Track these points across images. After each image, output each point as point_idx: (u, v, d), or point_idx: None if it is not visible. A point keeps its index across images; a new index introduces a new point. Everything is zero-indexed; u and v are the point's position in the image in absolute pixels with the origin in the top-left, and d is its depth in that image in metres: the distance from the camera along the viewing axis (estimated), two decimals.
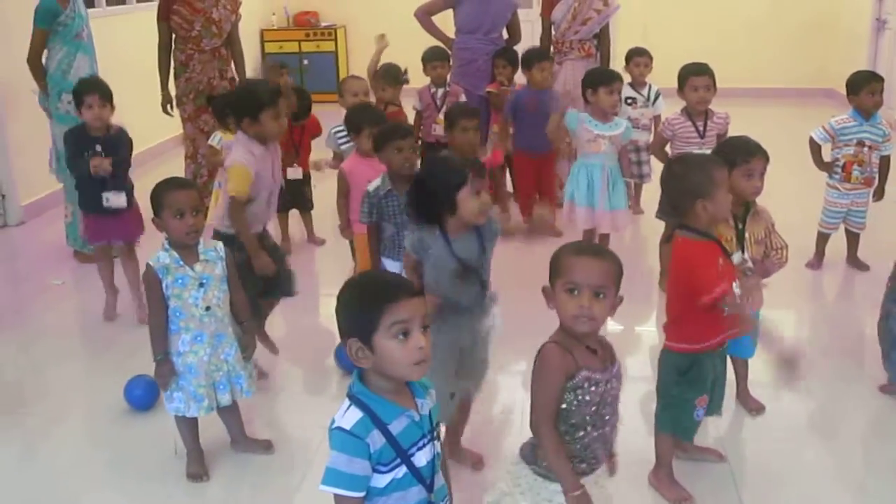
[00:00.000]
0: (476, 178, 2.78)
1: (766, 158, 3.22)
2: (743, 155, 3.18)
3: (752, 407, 3.50)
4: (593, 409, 2.11)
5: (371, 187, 3.63)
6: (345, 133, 4.51)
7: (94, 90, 4.24)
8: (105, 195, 4.26)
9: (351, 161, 4.20)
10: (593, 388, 2.10)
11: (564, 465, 2.10)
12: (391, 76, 5.35)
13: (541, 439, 2.12)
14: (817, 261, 5.02)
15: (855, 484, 3.09)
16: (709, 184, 2.72)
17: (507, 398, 3.70)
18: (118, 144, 4.30)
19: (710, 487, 3.02)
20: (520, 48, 6.26)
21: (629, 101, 5.98)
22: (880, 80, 4.82)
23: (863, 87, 4.66)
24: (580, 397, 2.08)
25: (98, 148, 4.23)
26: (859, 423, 3.53)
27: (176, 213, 2.91)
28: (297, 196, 5.52)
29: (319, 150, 5.41)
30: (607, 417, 2.16)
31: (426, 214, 2.83)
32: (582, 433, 2.12)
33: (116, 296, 4.58)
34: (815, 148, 4.82)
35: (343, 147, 4.68)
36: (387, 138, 3.61)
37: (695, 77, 4.46)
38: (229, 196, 3.52)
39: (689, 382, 2.84)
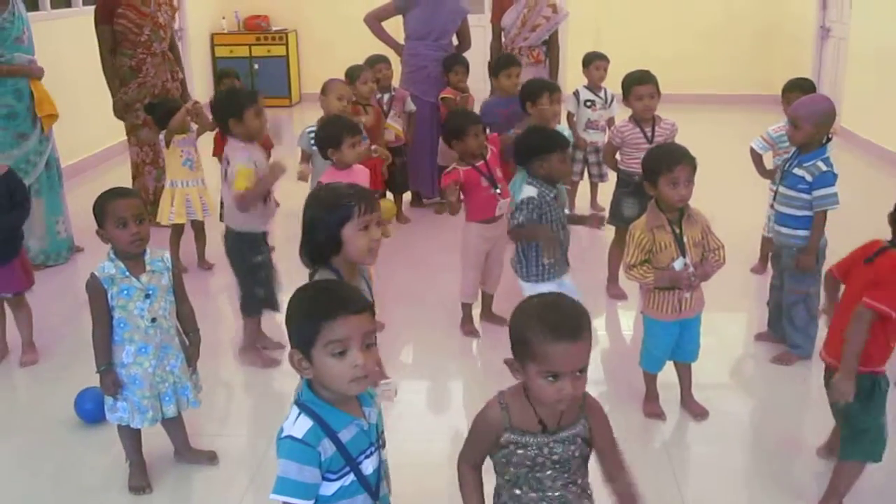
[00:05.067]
0: (366, 210, 2.51)
1: (692, 166, 3.23)
2: (667, 163, 3.20)
3: (695, 412, 3.54)
4: (525, 470, 1.96)
5: (531, 193, 3.75)
6: None
7: None
8: None
9: (329, 174, 4.05)
10: (520, 451, 1.94)
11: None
12: (350, 76, 5.39)
13: (459, 476, 2.06)
14: (762, 265, 5.08)
15: (793, 487, 3.13)
16: None
17: None
18: (11, 187, 3.94)
19: (653, 491, 3.04)
20: (470, 54, 6.30)
21: (588, 103, 6.07)
22: (811, 85, 4.88)
23: (794, 94, 4.60)
24: (509, 457, 1.97)
25: None
26: (802, 424, 3.60)
27: (118, 222, 2.87)
28: None
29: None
30: (549, 483, 1.97)
31: (313, 253, 2.57)
32: (518, 492, 1.99)
33: (5, 355, 4.16)
34: (757, 157, 4.86)
35: (315, 148, 4.50)
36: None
37: (638, 86, 4.47)
38: (237, 195, 3.70)
39: (877, 404, 2.77)
